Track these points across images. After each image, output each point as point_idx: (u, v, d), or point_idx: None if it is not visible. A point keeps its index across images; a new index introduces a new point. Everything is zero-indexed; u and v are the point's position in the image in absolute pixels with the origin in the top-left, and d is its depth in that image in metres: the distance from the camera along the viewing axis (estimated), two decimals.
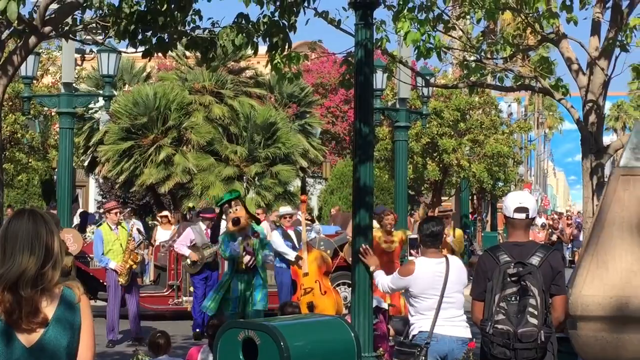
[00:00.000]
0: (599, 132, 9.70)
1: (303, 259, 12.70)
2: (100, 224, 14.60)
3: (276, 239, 13.28)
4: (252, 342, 5.68)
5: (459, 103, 28.81)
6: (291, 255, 13.02)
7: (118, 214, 13.45)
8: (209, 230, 14.06)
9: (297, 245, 13.27)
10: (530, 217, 5.78)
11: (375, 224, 13.75)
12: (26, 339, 3.72)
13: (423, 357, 6.81)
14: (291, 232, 13.49)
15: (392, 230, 12.41)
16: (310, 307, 12.33)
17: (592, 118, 9.49)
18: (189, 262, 14.12)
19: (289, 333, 5.71)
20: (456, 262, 7.20)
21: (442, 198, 33.10)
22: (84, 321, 3.82)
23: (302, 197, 13.20)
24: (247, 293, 10.32)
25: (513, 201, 5.83)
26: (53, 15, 6.53)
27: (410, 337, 7.08)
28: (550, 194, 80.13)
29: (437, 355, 6.92)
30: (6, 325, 3.70)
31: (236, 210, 10.10)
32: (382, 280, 7.44)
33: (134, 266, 13.27)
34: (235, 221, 10.06)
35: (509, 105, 41.02)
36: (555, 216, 43.08)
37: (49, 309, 3.76)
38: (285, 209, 14.49)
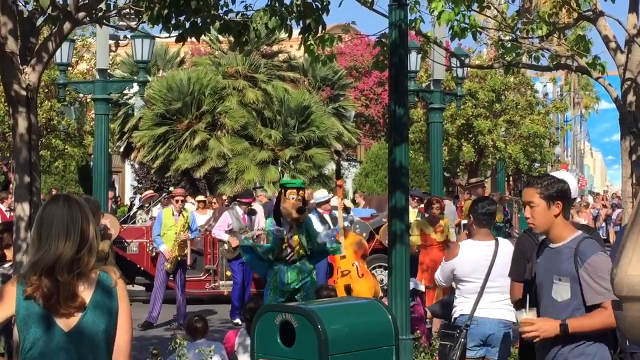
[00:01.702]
0: (638, 111, 9.54)
1: (340, 243, 12.66)
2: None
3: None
4: (289, 326, 5.68)
5: (494, 84, 28.63)
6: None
7: (179, 201, 13.55)
8: (245, 215, 14.05)
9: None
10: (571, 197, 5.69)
11: (412, 212, 13.72)
12: (65, 324, 3.74)
13: (462, 339, 6.76)
14: (327, 216, 13.43)
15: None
16: (348, 289, 12.30)
17: (631, 97, 9.33)
18: (225, 247, 14.14)
19: (326, 316, 5.69)
20: (506, 247, 6.96)
21: (470, 180, 32.95)
22: (120, 305, 3.85)
23: (338, 182, 13.15)
24: (294, 283, 10.05)
25: None
26: (87, 1, 6.53)
27: (452, 319, 7.05)
28: (587, 175, 79.46)
29: (478, 338, 6.87)
30: (45, 310, 3.72)
31: (299, 199, 9.87)
32: (436, 275, 7.36)
33: (179, 257, 13.30)
34: (302, 210, 9.84)
35: (545, 86, 40.68)
36: (590, 197, 42.70)
37: (86, 294, 3.78)
38: (321, 194, 14.42)
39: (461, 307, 6.96)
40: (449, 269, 7.03)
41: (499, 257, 6.84)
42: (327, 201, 13.89)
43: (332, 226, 13.30)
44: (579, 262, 4.74)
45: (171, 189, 18.69)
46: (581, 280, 4.72)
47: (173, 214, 13.48)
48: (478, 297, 6.83)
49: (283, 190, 9.82)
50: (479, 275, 6.85)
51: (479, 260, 6.89)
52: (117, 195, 23.57)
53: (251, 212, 14.16)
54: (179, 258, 13.28)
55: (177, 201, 13.54)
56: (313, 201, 14.13)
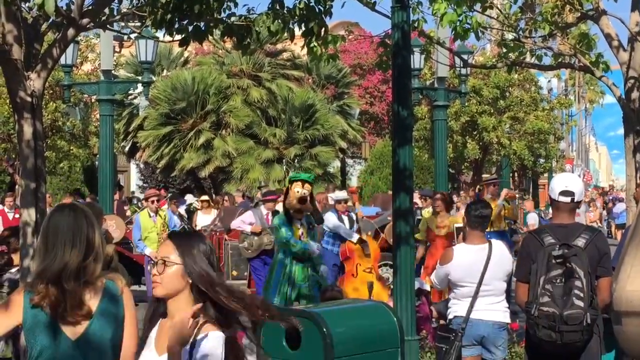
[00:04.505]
0: None
1: (366, 242, 12.69)
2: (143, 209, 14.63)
3: (333, 220, 13.16)
4: (295, 329, 5.69)
5: (498, 80, 28.61)
6: (354, 237, 12.93)
7: (154, 202, 13.48)
8: (269, 215, 13.84)
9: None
10: (575, 201, 5.68)
11: (427, 211, 13.74)
12: (72, 332, 3.76)
13: (458, 342, 6.78)
14: (344, 217, 13.39)
15: (442, 213, 12.43)
16: (370, 286, 12.22)
17: (635, 95, 9.34)
18: (246, 245, 13.84)
19: (332, 319, 5.72)
20: (500, 250, 6.96)
21: (483, 176, 32.95)
22: (127, 313, 3.88)
23: (350, 188, 13.20)
24: (306, 283, 10.01)
25: (559, 184, 5.73)
26: (90, 7, 6.55)
27: (447, 320, 7.08)
28: (592, 169, 79.29)
29: (473, 340, 6.88)
30: (52, 319, 3.74)
31: (304, 193, 9.79)
32: (432, 278, 7.38)
33: None
34: (304, 199, 9.73)
35: (549, 81, 40.55)
36: (595, 192, 42.68)
37: (92, 302, 3.80)
38: (341, 194, 14.41)
39: (455, 308, 6.98)
40: (443, 273, 7.04)
41: (492, 261, 6.84)
42: (345, 200, 13.82)
43: (347, 227, 13.29)
44: None
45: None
46: None
47: (150, 216, 13.37)
48: (472, 301, 6.83)
49: (290, 186, 9.80)
50: (472, 279, 6.85)
51: (472, 264, 6.88)
52: (124, 199, 23.36)
53: (275, 213, 14.02)
54: None
55: (152, 202, 13.43)
56: (331, 200, 14.14)
